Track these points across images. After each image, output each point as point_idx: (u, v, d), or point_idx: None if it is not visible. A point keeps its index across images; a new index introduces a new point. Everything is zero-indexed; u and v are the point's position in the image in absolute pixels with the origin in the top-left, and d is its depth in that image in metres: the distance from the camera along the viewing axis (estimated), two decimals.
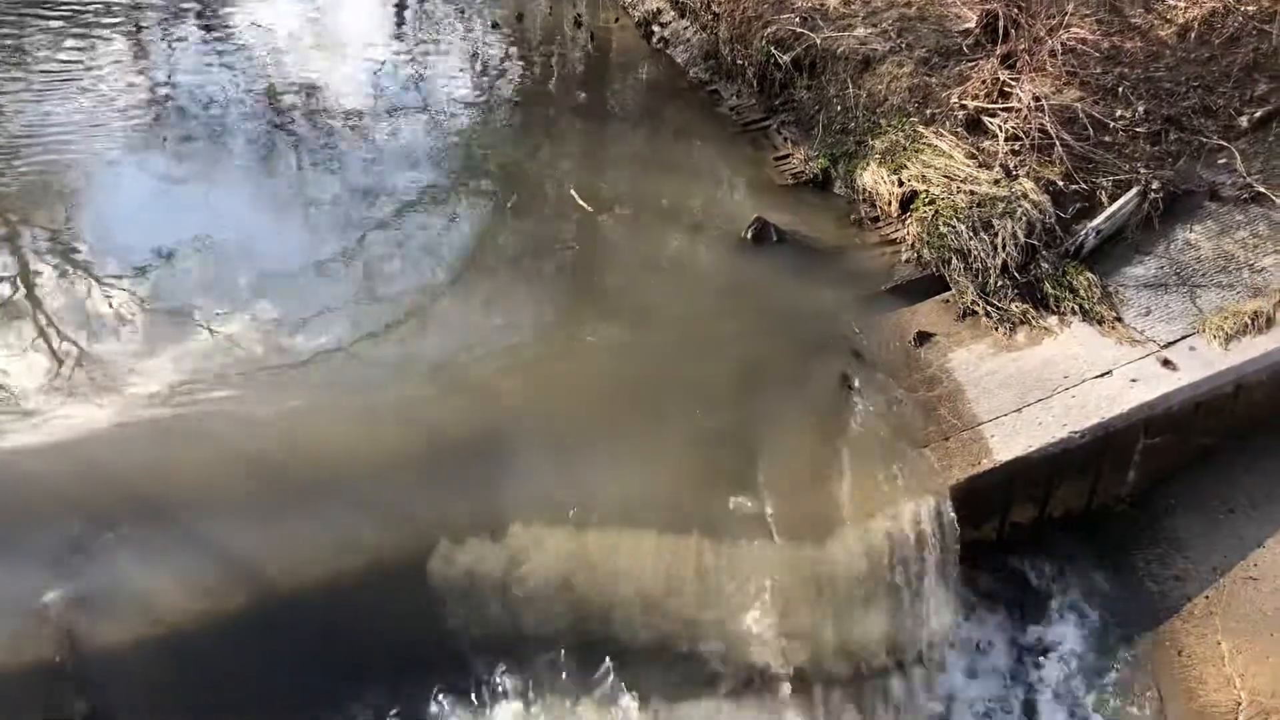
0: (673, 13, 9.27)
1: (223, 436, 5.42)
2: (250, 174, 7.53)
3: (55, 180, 7.24)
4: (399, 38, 9.39)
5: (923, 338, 6.19)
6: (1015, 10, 7.13)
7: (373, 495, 5.18)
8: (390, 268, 6.74)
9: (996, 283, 6.33)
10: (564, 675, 5.03)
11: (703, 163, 7.82)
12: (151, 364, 5.90)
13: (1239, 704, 5.21)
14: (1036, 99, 6.90)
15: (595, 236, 7.10)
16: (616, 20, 9.60)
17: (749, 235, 6.83)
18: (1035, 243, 6.44)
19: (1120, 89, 7.22)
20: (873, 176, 7.03)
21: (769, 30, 8.03)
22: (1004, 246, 6.39)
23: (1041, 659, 5.73)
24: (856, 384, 5.91)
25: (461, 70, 8.90)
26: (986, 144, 6.94)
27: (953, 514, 5.44)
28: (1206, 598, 5.58)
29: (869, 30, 7.84)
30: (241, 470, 5.19)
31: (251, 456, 5.27)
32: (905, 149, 7.03)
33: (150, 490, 5.13)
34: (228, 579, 4.82)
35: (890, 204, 6.93)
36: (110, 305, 6.31)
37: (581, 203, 6.24)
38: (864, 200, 7.09)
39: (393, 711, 4.80)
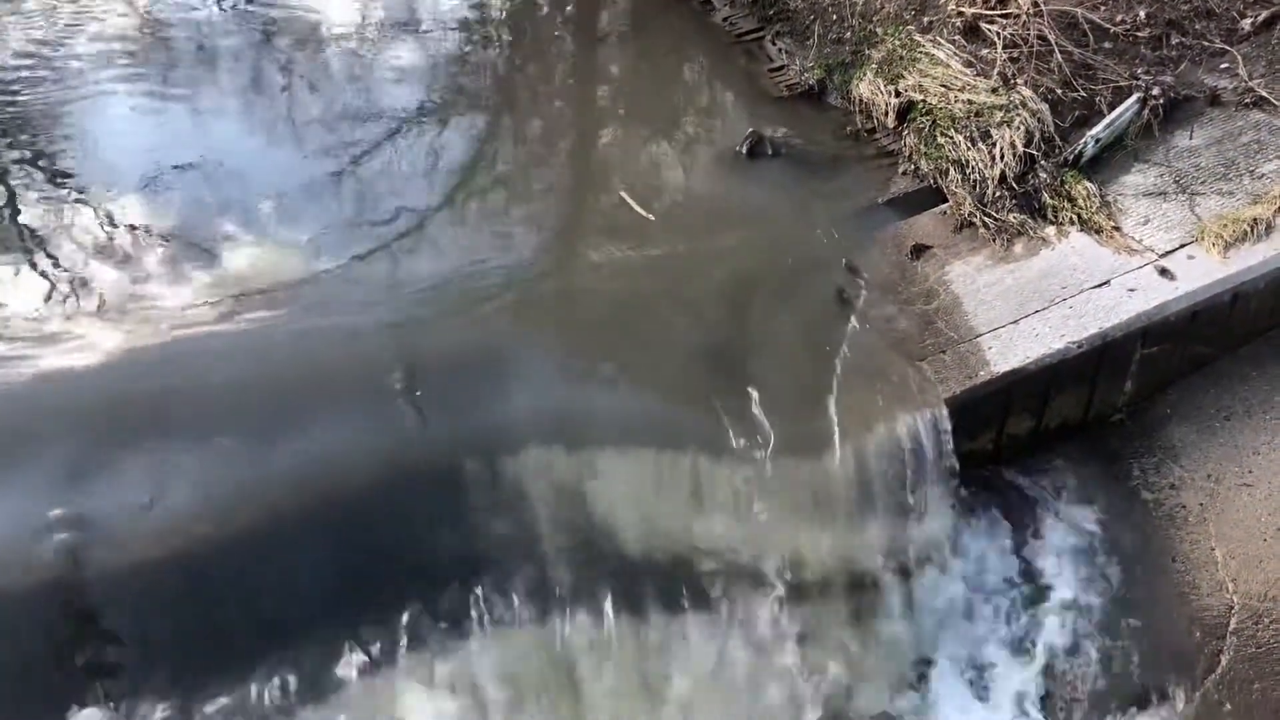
0: None
1: (217, 359, 5.40)
2: (237, 97, 7.40)
3: (37, 105, 7.12)
4: None
5: (919, 250, 6.15)
6: None
7: (368, 417, 5.17)
8: (381, 188, 6.66)
9: (994, 193, 6.27)
10: (560, 592, 5.08)
11: (695, 76, 7.70)
12: (143, 288, 5.85)
13: (1231, 608, 5.29)
14: (1035, 4, 6.77)
15: (587, 155, 7.02)
16: None
17: (744, 149, 6.74)
18: (1033, 152, 6.36)
19: None
20: (869, 87, 6.91)
21: None
22: (1002, 156, 6.31)
23: (1037, 567, 5.80)
24: (852, 298, 5.88)
25: None
26: (984, 52, 6.81)
27: (948, 426, 5.46)
28: (1201, 505, 5.62)
29: None
30: (236, 393, 5.17)
31: (246, 379, 5.24)
32: (902, 58, 6.90)
33: (147, 413, 5.11)
34: (227, 500, 4.83)
35: (887, 115, 6.83)
36: (95, 230, 6.24)
37: (635, 206, 5.91)
38: (860, 112, 6.98)
39: (392, 631, 4.85)
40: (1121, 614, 5.57)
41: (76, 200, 6.42)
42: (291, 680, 4.73)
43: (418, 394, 5.18)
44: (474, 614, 4.97)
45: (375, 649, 4.85)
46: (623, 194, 5.63)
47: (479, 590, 4.98)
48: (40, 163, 6.71)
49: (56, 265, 6.02)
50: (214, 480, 4.84)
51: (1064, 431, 6.04)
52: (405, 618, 4.87)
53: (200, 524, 4.74)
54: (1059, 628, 5.61)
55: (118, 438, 4.97)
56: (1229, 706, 5.09)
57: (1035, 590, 5.75)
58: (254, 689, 4.69)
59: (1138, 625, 5.51)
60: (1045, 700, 5.44)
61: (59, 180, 6.59)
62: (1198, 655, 5.26)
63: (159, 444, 4.95)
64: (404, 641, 4.86)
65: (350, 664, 4.79)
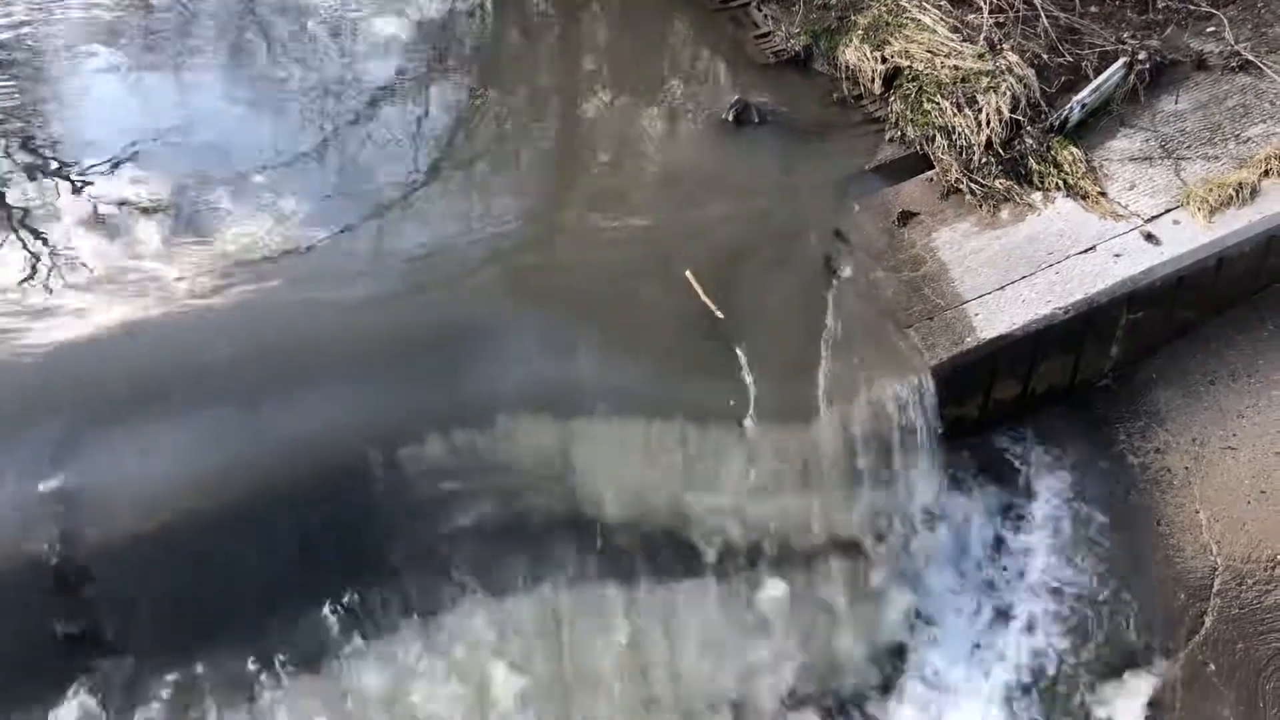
0: None
1: (201, 333, 5.37)
2: (220, 68, 7.32)
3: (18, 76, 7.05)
4: None
5: (906, 217, 6.15)
6: None
7: (357, 388, 5.17)
8: (366, 159, 6.61)
9: (980, 160, 6.26)
10: (554, 561, 5.11)
11: (681, 42, 7.64)
12: (127, 262, 5.81)
13: (1215, 570, 5.34)
14: None
15: (574, 123, 6.97)
16: None
17: (730, 116, 6.71)
18: (1019, 118, 6.34)
19: None
20: (855, 53, 6.88)
21: None
22: (988, 122, 6.30)
23: (1023, 532, 5.84)
24: (840, 265, 5.88)
25: None
26: (971, 17, 6.78)
27: (935, 393, 5.48)
28: (1186, 469, 5.66)
29: None
30: (222, 366, 5.16)
31: (231, 352, 5.23)
32: (888, 24, 6.86)
33: (134, 387, 5.10)
34: (215, 473, 4.83)
35: (873, 81, 6.80)
36: (80, 204, 6.19)
37: (702, 295, 5.46)
38: (846, 78, 6.95)
39: (384, 601, 4.88)
40: (1107, 577, 5.62)
41: (60, 174, 6.36)
42: (285, 648, 4.77)
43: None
44: (464, 580, 4.99)
45: (363, 618, 4.88)
46: (688, 275, 5.36)
47: (467, 557, 5.01)
48: (22, 136, 6.64)
49: (40, 239, 5.98)
50: (204, 453, 4.84)
51: (1050, 397, 6.07)
52: (394, 586, 4.89)
53: (191, 496, 4.75)
54: (1044, 590, 5.67)
55: (106, 411, 4.96)
56: (1213, 667, 5.15)
57: (1020, 554, 5.79)
58: (247, 657, 4.73)
59: (1123, 588, 5.57)
60: (1031, 661, 5.49)
61: (41, 154, 6.52)
62: (1182, 617, 5.32)
63: (147, 417, 4.94)
64: (395, 609, 4.88)
65: (341, 632, 4.82)
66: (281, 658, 4.74)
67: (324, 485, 4.88)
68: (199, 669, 4.70)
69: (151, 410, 4.97)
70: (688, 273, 5.39)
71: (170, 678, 4.68)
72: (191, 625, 4.75)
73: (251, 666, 4.71)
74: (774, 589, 5.36)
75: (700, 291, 5.48)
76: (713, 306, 5.36)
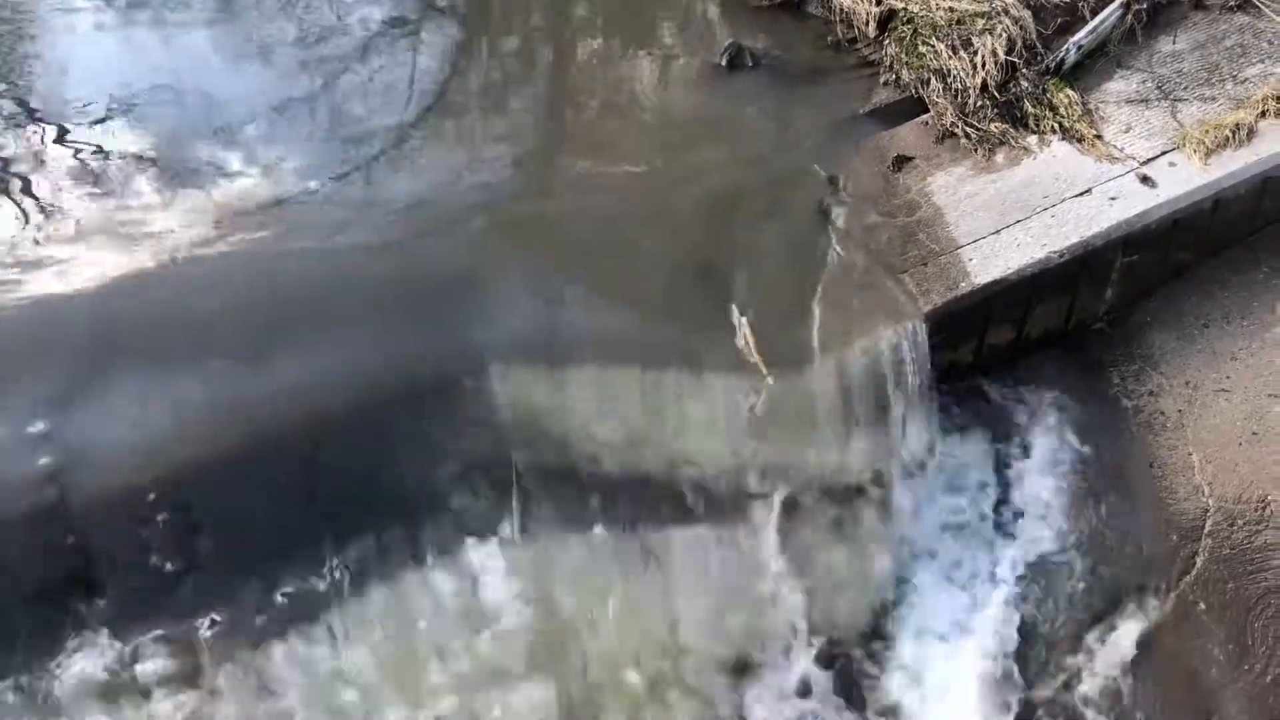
0: None
1: (196, 284, 5.36)
2: (208, 19, 7.22)
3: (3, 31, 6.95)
4: None
5: (901, 162, 6.11)
6: None
7: (349, 338, 5.17)
8: (357, 107, 6.54)
9: (975, 103, 6.21)
10: (549, 510, 5.13)
11: None
12: (120, 215, 5.78)
13: (1206, 511, 5.38)
14: None
15: (565, 69, 6.90)
16: None
17: (723, 60, 6.64)
18: (1015, 60, 6.28)
19: None
20: None
21: None
22: (983, 65, 6.24)
23: (1016, 475, 5.88)
24: (834, 211, 5.85)
25: None
26: None
27: (929, 338, 5.48)
28: (1179, 411, 5.68)
29: None
30: (217, 316, 5.15)
31: (225, 303, 5.22)
32: None
33: (128, 339, 5.10)
34: (213, 424, 4.84)
35: (868, 24, 6.72)
36: (69, 156, 6.15)
37: (752, 344, 5.23)
38: (841, 21, 6.86)
39: (380, 550, 4.91)
40: (1100, 519, 5.66)
41: (48, 128, 6.30)
42: (281, 596, 4.80)
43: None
44: (461, 531, 5.01)
45: (362, 567, 4.91)
46: (743, 323, 5.13)
47: (464, 508, 5.03)
48: (9, 90, 6.56)
49: (29, 192, 5.94)
50: (198, 403, 4.85)
51: (1045, 341, 6.07)
52: (391, 537, 4.92)
53: (187, 446, 4.76)
54: (1038, 533, 5.71)
55: (100, 362, 4.96)
56: (1203, 606, 5.21)
57: (1014, 496, 5.83)
58: (249, 604, 4.77)
59: (1116, 530, 5.61)
60: (1024, 602, 5.55)
61: (29, 107, 6.46)
62: (1174, 557, 5.36)
63: (142, 368, 4.94)
64: (392, 560, 4.91)
65: (336, 580, 4.85)
66: (279, 605, 4.78)
67: (316, 434, 4.89)
68: (198, 620, 4.74)
69: (145, 361, 4.96)
70: (743, 320, 5.24)
71: (173, 626, 4.71)
72: (191, 575, 4.77)
73: (251, 614, 4.75)
74: (769, 534, 5.38)
75: (752, 344, 5.27)
76: (763, 367, 5.19)
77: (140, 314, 5.20)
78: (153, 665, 4.65)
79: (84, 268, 5.35)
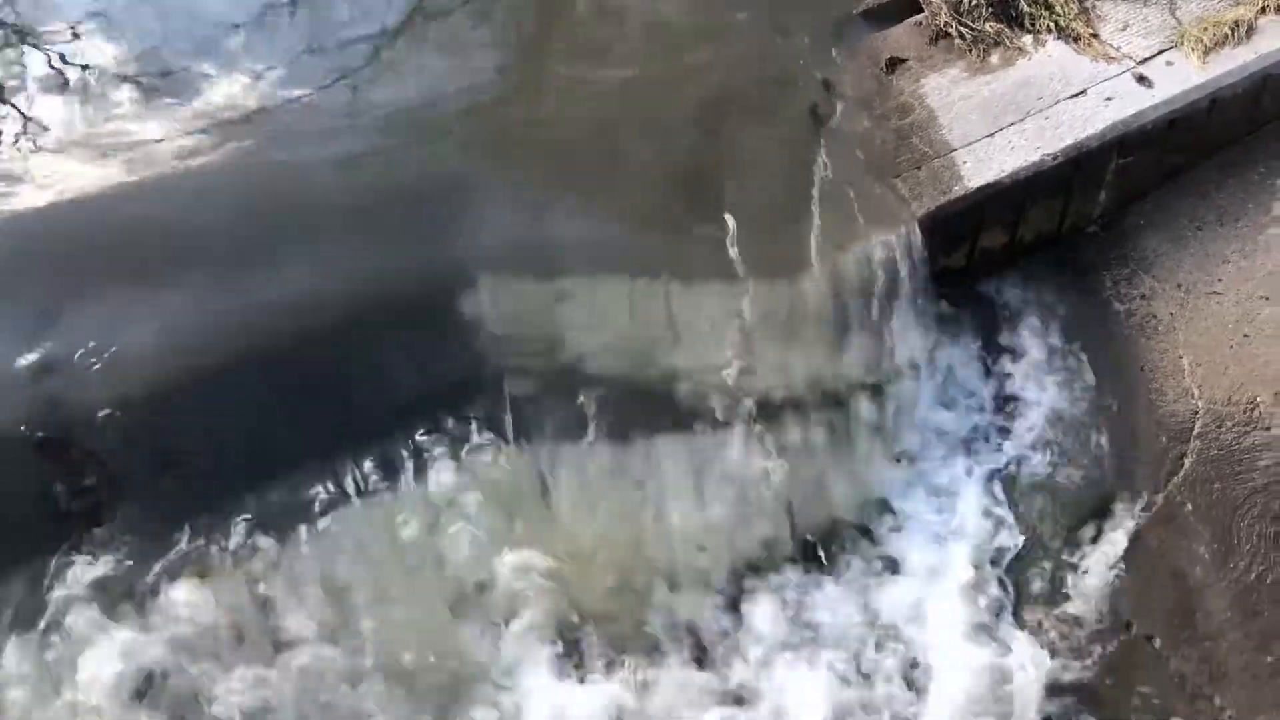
0: None
1: (180, 195, 5.32)
2: None
3: None
4: None
5: (894, 64, 6.00)
6: None
7: (336, 248, 5.14)
8: (339, 15, 6.42)
9: (970, 1, 6.07)
10: (541, 422, 5.14)
11: None
12: (100, 127, 5.71)
13: (1196, 413, 5.40)
14: None
15: None
16: None
17: None
18: None
19: None
20: None
21: None
22: None
23: (1008, 378, 5.90)
24: (826, 114, 5.77)
25: None
26: None
27: (922, 243, 5.45)
28: (1171, 314, 5.68)
29: None
30: (202, 227, 5.12)
31: (211, 214, 5.18)
32: None
33: (114, 252, 5.08)
34: (201, 336, 4.85)
35: None
36: (47, 68, 6.04)
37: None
38: None
39: (372, 459, 4.93)
40: (1090, 421, 5.70)
41: (25, 39, 6.18)
42: (277, 507, 4.84)
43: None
44: (453, 442, 5.03)
45: (352, 480, 4.93)
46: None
47: (456, 419, 5.04)
48: None
49: (7, 104, 5.85)
50: (185, 316, 4.84)
51: (1038, 244, 6.04)
52: (382, 450, 4.94)
53: (171, 361, 4.76)
54: (1028, 436, 5.75)
55: (86, 278, 4.94)
56: (1190, 506, 5.26)
57: (1005, 400, 5.86)
58: (240, 519, 4.81)
59: (1106, 432, 5.65)
60: (1012, 504, 5.61)
61: (5, 20, 6.32)
62: (1163, 459, 5.40)
63: (126, 282, 4.92)
64: (380, 469, 4.94)
65: (325, 495, 4.88)
66: (273, 515, 4.82)
67: (302, 346, 4.90)
68: (195, 531, 4.78)
69: (133, 275, 4.94)
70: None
71: (169, 543, 4.75)
72: (186, 489, 4.81)
73: (243, 529, 4.79)
74: (762, 441, 5.41)
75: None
76: None
77: (127, 226, 5.16)
78: (148, 575, 4.69)
79: (66, 179, 5.29)
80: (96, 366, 4.72)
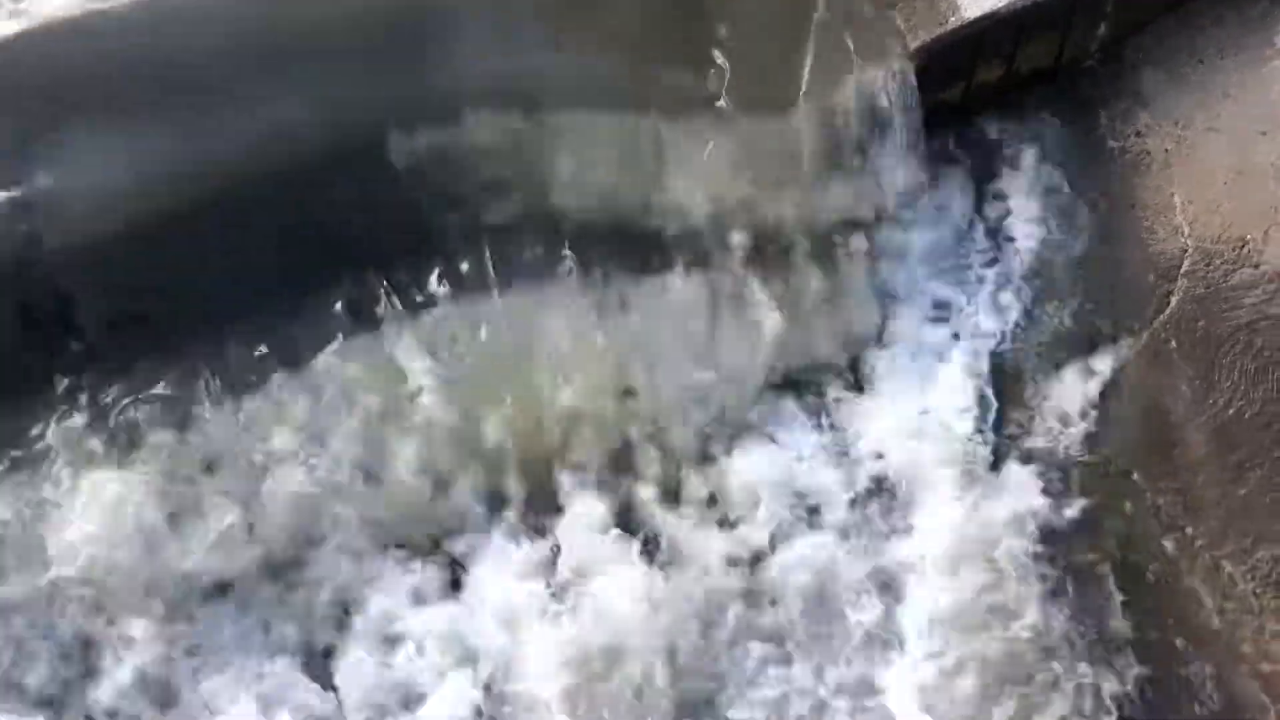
0: None
1: (159, 28, 5.12)
2: None
3: None
4: None
5: None
6: None
7: (317, 83, 5.01)
8: None
9: None
10: (524, 261, 5.10)
11: None
12: None
13: (1185, 251, 5.39)
14: None
15: None
16: None
17: None
18: None
19: None
20: None
21: None
22: None
23: (1000, 215, 5.85)
24: None
25: None
26: None
27: (917, 76, 5.33)
28: (1166, 151, 5.60)
29: None
30: (183, 61, 4.99)
31: (191, 46, 5.03)
32: None
33: (91, 84, 4.92)
34: (181, 172, 4.78)
35: None
36: None
37: None
38: None
39: (353, 300, 4.91)
40: (1079, 260, 5.68)
41: None
42: (268, 342, 4.84)
43: None
44: (433, 283, 4.99)
45: (334, 321, 4.91)
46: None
47: (438, 260, 5.01)
48: None
49: None
50: (171, 148, 4.78)
51: (1035, 78, 5.91)
52: (364, 284, 4.91)
53: (151, 198, 4.68)
54: (1017, 273, 5.74)
55: (57, 107, 4.81)
56: (1174, 344, 5.30)
57: (997, 237, 5.83)
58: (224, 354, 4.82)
59: (1094, 270, 5.64)
60: (1000, 339, 5.65)
61: None
62: (1150, 297, 5.41)
63: (100, 116, 4.81)
64: (368, 308, 4.91)
65: (320, 327, 4.88)
66: (264, 351, 4.82)
67: (281, 183, 4.82)
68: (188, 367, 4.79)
69: (102, 106, 4.81)
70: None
71: (160, 379, 4.75)
72: (175, 324, 4.80)
73: (236, 363, 4.79)
74: (750, 281, 5.38)
75: None
76: None
77: (105, 57, 5.01)
78: (127, 417, 4.69)
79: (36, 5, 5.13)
80: (70, 203, 4.63)
